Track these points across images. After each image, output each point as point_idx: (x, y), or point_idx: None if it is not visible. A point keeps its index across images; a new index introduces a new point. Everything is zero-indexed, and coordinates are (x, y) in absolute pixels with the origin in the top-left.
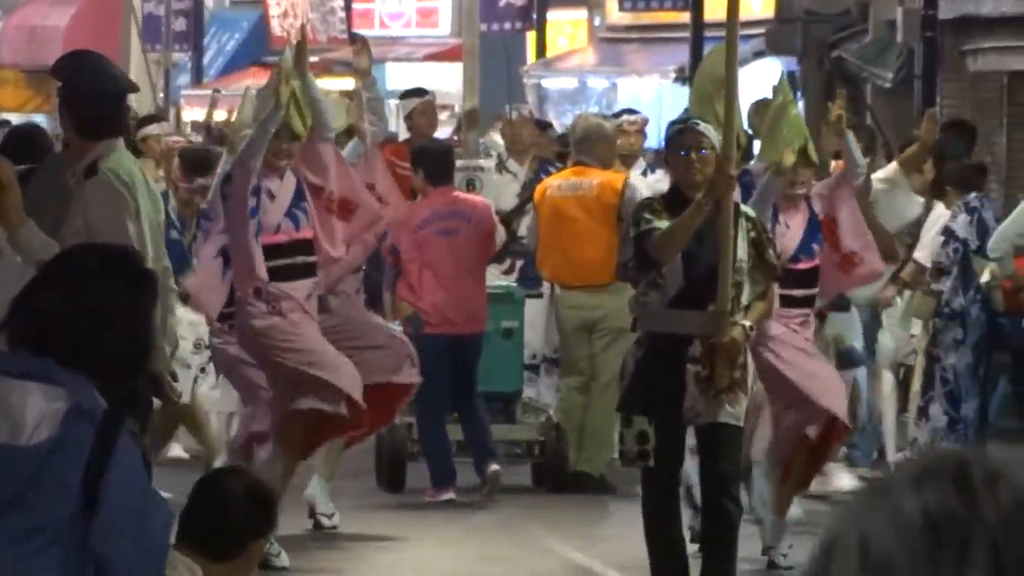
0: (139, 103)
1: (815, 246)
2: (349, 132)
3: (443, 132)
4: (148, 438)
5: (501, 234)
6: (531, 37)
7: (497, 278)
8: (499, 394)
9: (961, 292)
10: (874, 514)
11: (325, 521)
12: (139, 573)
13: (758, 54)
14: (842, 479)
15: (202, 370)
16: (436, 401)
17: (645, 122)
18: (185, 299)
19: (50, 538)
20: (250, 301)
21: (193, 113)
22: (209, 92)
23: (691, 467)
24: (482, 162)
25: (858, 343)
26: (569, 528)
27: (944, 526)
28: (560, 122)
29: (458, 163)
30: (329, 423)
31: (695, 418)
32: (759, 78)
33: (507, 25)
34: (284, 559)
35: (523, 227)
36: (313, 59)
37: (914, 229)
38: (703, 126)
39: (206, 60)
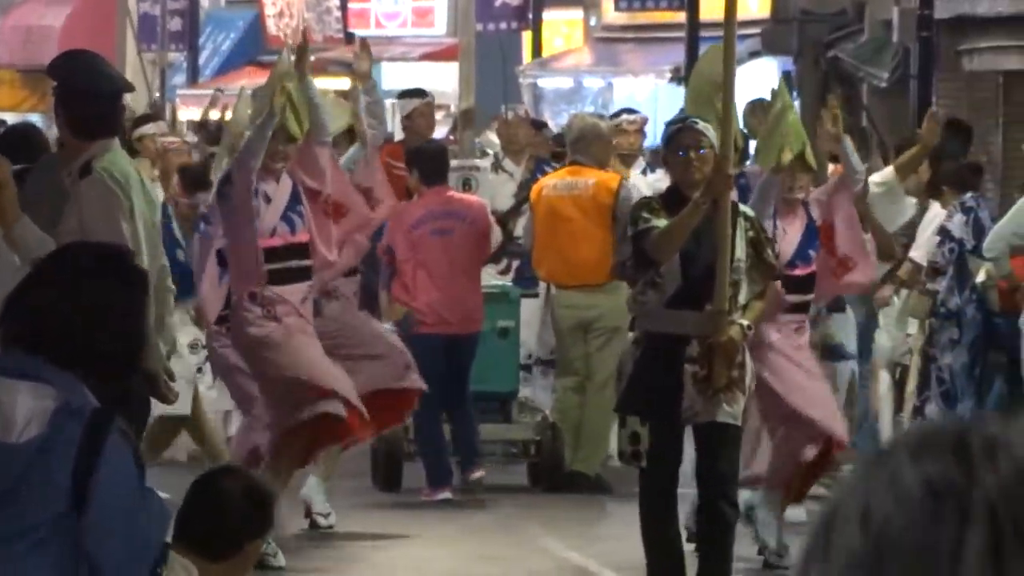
0: (135, 103)
1: (812, 252)
2: (350, 133)
3: (439, 132)
4: (144, 443)
5: (497, 234)
6: (527, 37)
7: (493, 278)
8: (495, 394)
9: (957, 292)
10: (874, 484)
11: (321, 521)
12: (129, 571)
13: (754, 54)
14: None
15: (199, 370)
16: (432, 401)
17: (644, 121)
18: (198, 322)
19: (42, 536)
20: (246, 306)
21: (189, 113)
22: (205, 92)
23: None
24: (478, 162)
25: (851, 343)
26: (565, 527)
27: (944, 495)
28: (556, 122)
29: (454, 163)
30: (328, 432)
31: (693, 418)
32: (755, 78)
33: (503, 25)
34: (280, 559)
35: (519, 227)
36: (309, 59)
37: (909, 229)
38: (702, 125)
39: (202, 60)
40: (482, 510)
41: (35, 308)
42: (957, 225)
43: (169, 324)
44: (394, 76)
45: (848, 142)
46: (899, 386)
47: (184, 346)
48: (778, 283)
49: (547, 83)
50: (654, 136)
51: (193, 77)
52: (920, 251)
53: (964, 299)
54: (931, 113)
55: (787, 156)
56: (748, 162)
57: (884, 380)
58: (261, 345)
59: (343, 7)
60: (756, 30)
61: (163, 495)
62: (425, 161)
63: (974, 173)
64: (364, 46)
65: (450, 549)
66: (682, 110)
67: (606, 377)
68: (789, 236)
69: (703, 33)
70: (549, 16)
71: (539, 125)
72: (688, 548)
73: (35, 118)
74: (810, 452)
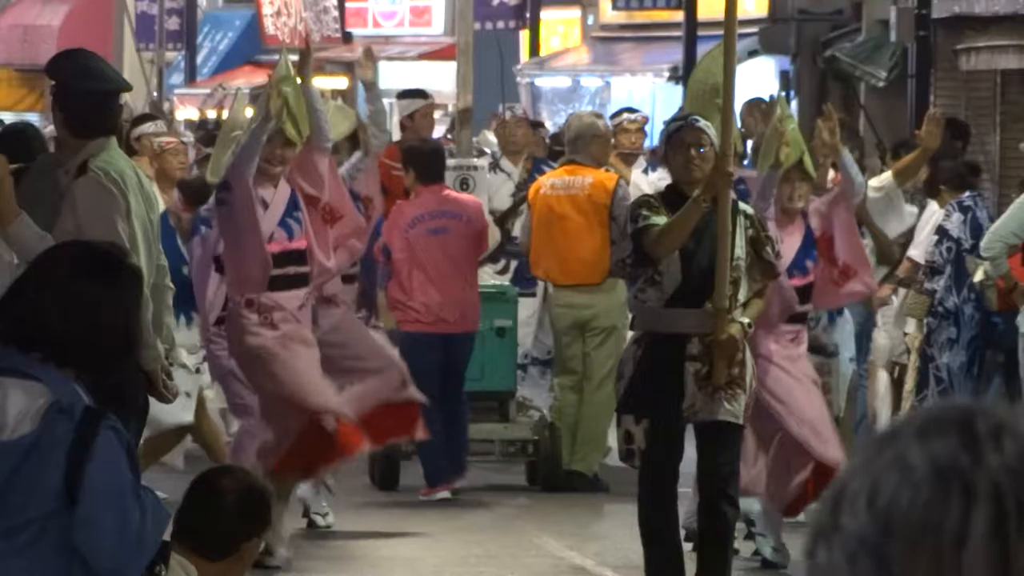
0: (133, 102)
1: (809, 263)
2: (351, 140)
3: (437, 131)
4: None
5: (496, 234)
6: (525, 36)
7: (492, 278)
8: (493, 393)
9: (954, 291)
10: (881, 464)
11: (319, 520)
12: (122, 567)
13: (752, 53)
14: None
15: (196, 370)
16: (430, 400)
17: (645, 120)
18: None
19: (35, 533)
20: (242, 313)
21: (187, 112)
22: (203, 91)
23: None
24: (476, 161)
25: (849, 346)
26: (563, 527)
27: (949, 475)
28: (553, 121)
29: (452, 162)
30: (324, 449)
31: (694, 416)
32: (753, 77)
33: (500, 24)
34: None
35: (517, 227)
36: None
37: (907, 229)
38: (702, 123)
39: (199, 59)
40: (480, 509)
41: (29, 307)
42: (955, 224)
43: (168, 323)
44: (392, 75)
45: (847, 154)
46: (897, 385)
47: (185, 353)
48: (792, 290)
49: (545, 82)
50: (652, 135)
51: (191, 76)
52: (918, 250)
53: (962, 298)
54: (931, 115)
55: (785, 151)
56: (745, 163)
57: (882, 379)
58: (257, 355)
59: (340, 6)
60: (753, 29)
61: (161, 495)
62: (421, 160)
63: (972, 172)
64: (368, 55)
65: (448, 548)
66: (680, 109)
67: (603, 376)
68: (786, 246)
69: (701, 32)
70: (547, 15)
71: (534, 124)
72: (686, 547)
73: (33, 117)
74: (803, 475)
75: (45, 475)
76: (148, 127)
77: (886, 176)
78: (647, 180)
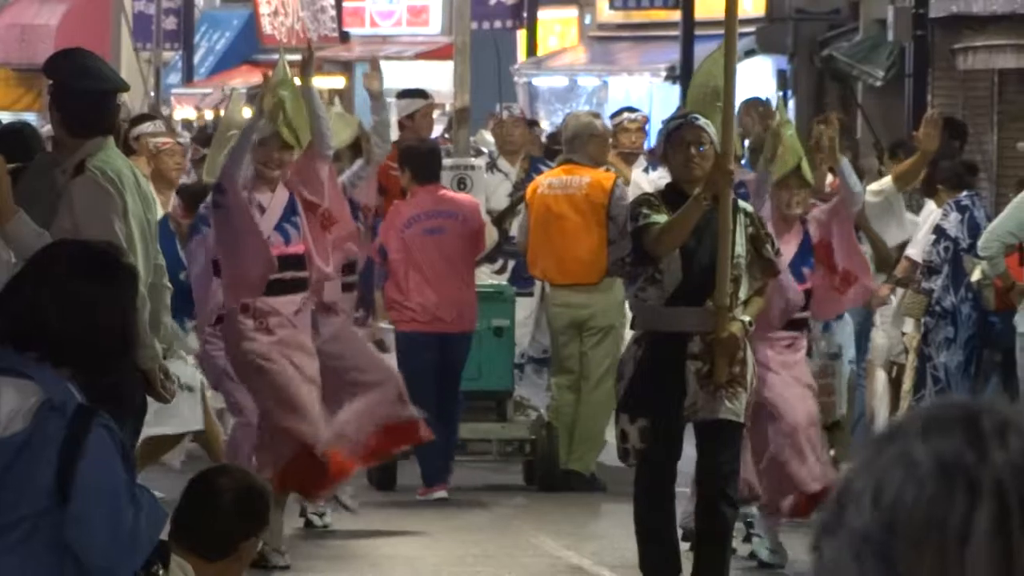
0: (130, 102)
1: (805, 270)
2: (355, 147)
3: (434, 131)
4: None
5: (493, 234)
6: (522, 35)
7: (489, 277)
8: (491, 392)
9: (952, 291)
10: (886, 460)
11: (316, 520)
12: (113, 564)
13: (749, 52)
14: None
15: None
16: (426, 399)
17: (646, 119)
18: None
19: (27, 531)
20: (239, 319)
21: (184, 111)
22: (200, 91)
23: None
24: (473, 161)
25: (850, 348)
26: (560, 526)
27: (954, 472)
28: (551, 121)
29: (449, 162)
30: (319, 479)
31: (694, 414)
32: (750, 77)
33: (498, 23)
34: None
35: (515, 227)
36: (298, 58)
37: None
38: (702, 121)
39: (197, 59)
40: (477, 509)
41: (27, 305)
42: (952, 224)
43: (166, 323)
44: (389, 75)
45: (846, 163)
46: (895, 385)
47: (189, 358)
48: (797, 292)
49: (542, 82)
50: (650, 135)
51: (188, 76)
52: (915, 249)
53: (959, 298)
54: (929, 117)
55: (781, 157)
56: (743, 162)
57: (880, 379)
58: (251, 361)
59: (338, 6)
60: (751, 29)
61: (159, 494)
62: (417, 160)
63: (969, 172)
64: (375, 66)
65: (445, 547)
66: (679, 109)
67: (600, 375)
68: (783, 253)
69: (698, 32)
70: (544, 15)
71: (530, 123)
72: (683, 547)
73: (30, 117)
74: (792, 498)
75: (37, 473)
76: (147, 127)
77: (886, 181)
78: (647, 179)
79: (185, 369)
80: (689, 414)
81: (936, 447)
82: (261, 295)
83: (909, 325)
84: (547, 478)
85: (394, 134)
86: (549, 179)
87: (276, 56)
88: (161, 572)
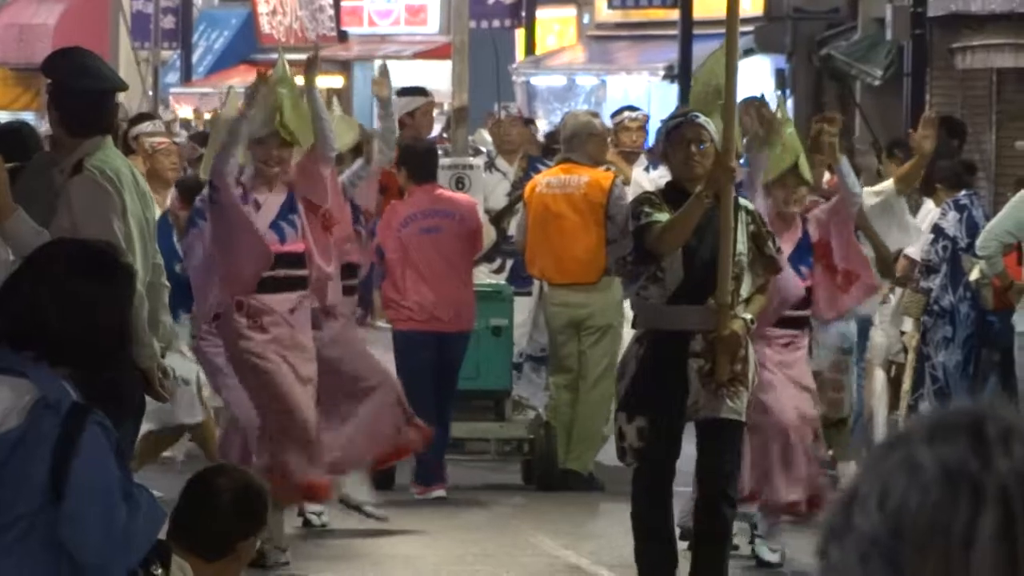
0: (128, 101)
1: (803, 268)
2: (357, 150)
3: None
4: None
5: (492, 233)
6: (520, 35)
7: (487, 276)
8: (489, 392)
9: (950, 290)
10: (892, 466)
11: (314, 519)
12: (107, 562)
13: (747, 52)
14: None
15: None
16: (423, 399)
17: (646, 118)
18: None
19: (24, 530)
20: (234, 316)
21: (182, 111)
22: (198, 90)
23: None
24: (471, 160)
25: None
26: (558, 525)
27: (959, 478)
28: (549, 120)
29: (447, 161)
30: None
31: (696, 413)
32: (748, 76)
33: (496, 22)
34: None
35: (513, 226)
36: (300, 57)
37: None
38: (702, 119)
39: (195, 58)
40: (476, 508)
41: (26, 304)
42: (951, 223)
43: (164, 321)
44: None
45: (845, 163)
46: (894, 384)
47: (187, 352)
48: (795, 282)
49: (540, 81)
50: (649, 133)
51: (186, 75)
52: (914, 248)
53: (958, 297)
54: (925, 118)
55: (780, 147)
56: (741, 162)
57: (879, 378)
58: (246, 360)
59: (336, 5)
60: (749, 28)
61: (157, 493)
62: (414, 159)
63: (968, 171)
64: (384, 73)
65: (444, 547)
66: (678, 107)
67: (599, 375)
68: (782, 251)
69: (697, 31)
70: (542, 14)
71: (526, 121)
72: (681, 546)
73: (28, 116)
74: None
75: (32, 471)
76: (146, 126)
77: (887, 184)
78: (648, 178)
79: (182, 363)
80: (691, 413)
81: (941, 453)
82: (254, 291)
83: (908, 324)
84: (545, 477)
85: None
86: (547, 178)
87: (275, 56)
88: (160, 572)
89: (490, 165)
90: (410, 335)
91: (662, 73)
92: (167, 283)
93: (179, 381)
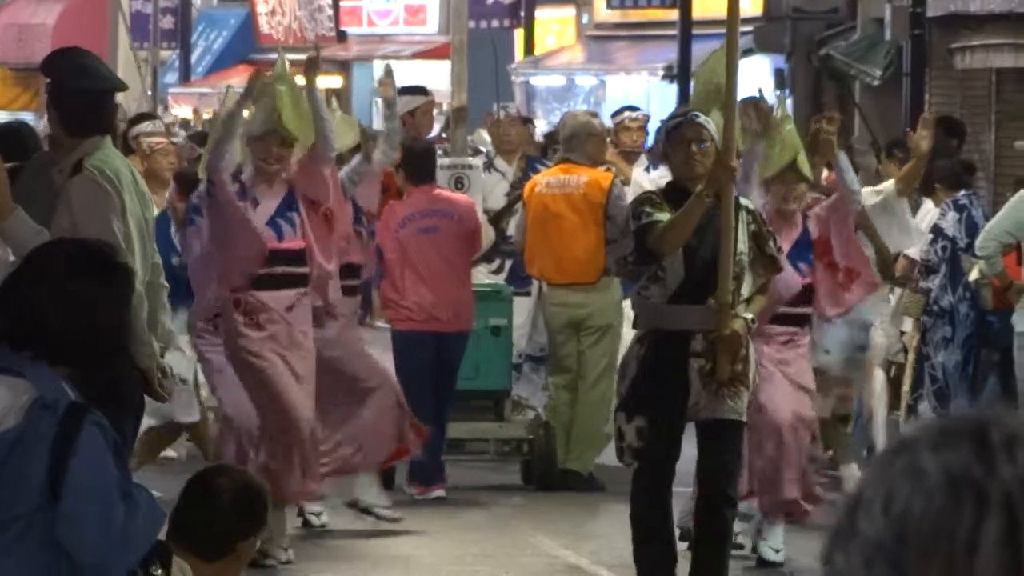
0: (127, 101)
1: (802, 265)
2: (357, 150)
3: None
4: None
5: (491, 233)
6: (519, 35)
7: (486, 277)
8: (488, 392)
9: (949, 290)
10: (896, 472)
11: (314, 519)
12: (105, 561)
13: (746, 52)
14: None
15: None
16: (421, 399)
17: (647, 118)
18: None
19: (22, 530)
20: (232, 314)
21: (181, 111)
22: (197, 90)
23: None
24: (470, 160)
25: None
26: (558, 526)
27: (963, 485)
28: (548, 120)
29: (446, 161)
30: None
31: (697, 413)
32: (747, 76)
33: (495, 22)
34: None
35: (512, 226)
36: (300, 57)
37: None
38: (703, 119)
39: (194, 58)
40: (475, 508)
41: (26, 304)
42: (950, 223)
43: (163, 321)
44: None
45: (844, 160)
46: (894, 384)
47: (185, 350)
48: (792, 277)
49: (539, 81)
50: (649, 133)
51: (185, 75)
52: (914, 248)
53: (957, 297)
54: (922, 119)
55: (780, 145)
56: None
57: (878, 378)
58: (243, 359)
59: (335, 5)
60: (748, 28)
61: (156, 494)
62: (412, 160)
63: (967, 171)
64: (389, 73)
65: (443, 547)
66: (678, 107)
67: (598, 375)
68: (782, 250)
69: (696, 31)
70: (541, 14)
71: (524, 121)
72: (681, 547)
73: (27, 116)
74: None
75: (29, 470)
76: (146, 126)
77: (887, 185)
78: (648, 178)
79: (180, 361)
80: (691, 413)
81: (945, 459)
82: (250, 288)
83: (908, 324)
84: (545, 477)
85: None
86: (547, 178)
87: (274, 56)
88: (160, 573)
89: (489, 165)
90: (409, 335)
91: (661, 73)
92: (166, 283)
93: (176, 379)
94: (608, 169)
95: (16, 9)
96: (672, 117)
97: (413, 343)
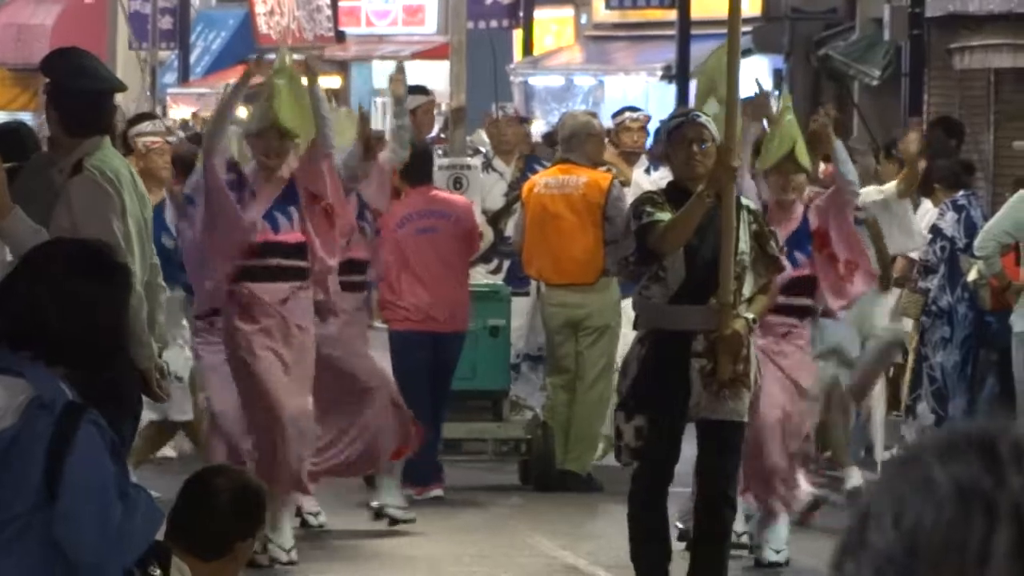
0: (126, 102)
1: (799, 255)
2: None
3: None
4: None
5: (489, 234)
6: (518, 35)
7: (484, 277)
8: (486, 392)
9: (948, 290)
10: (906, 484)
11: (312, 520)
12: (103, 560)
13: (745, 52)
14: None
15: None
16: (418, 399)
17: (647, 119)
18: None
19: (19, 529)
20: (229, 307)
21: (180, 111)
22: (196, 91)
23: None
24: (469, 160)
25: (854, 347)
26: (556, 526)
27: (973, 496)
28: (547, 120)
29: (445, 161)
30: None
31: (698, 413)
32: (746, 76)
33: (494, 23)
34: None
35: (510, 226)
36: (298, 57)
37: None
38: (704, 119)
39: (192, 58)
40: (473, 508)
41: (25, 304)
42: (949, 223)
43: (161, 322)
44: (385, 75)
45: (840, 147)
46: (893, 384)
47: (183, 346)
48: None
49: (538, 81)
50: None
51: (184, 76)
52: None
53: (955, 297)
54: (912, 122)
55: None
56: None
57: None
58: (235, 353)
59: (334, 5)
60: (747, 28)
61: (155, 494)
62: (409, 161)
63: (966, 171)
64: (401, 71)
65: (441, 547)
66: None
67: (596, 375)
68: (777, 236)
69: (694, 31)
70: (540, 14)
71: (520, 121)
72: (679, 547)
73: (26, 116)
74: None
75: (27, 470)
76: (146, 126)
77: (889, 187)
78: (649, 180)
79: (178, 358)
80: (692, 413)
81: (954, 471)
82: (242, 278)
83: (908, 325)
84: (543, 478)
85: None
86: (545, 179)
87: (272, 56)
88: (158, 573)
89: (487, 165)
90: (406, 335)
91: (660, 73)
92: (163, 284)
93: (172, 377)
94: (608, 170)
95: (15, 9)
96: (673, 117)
97: (410, 343)
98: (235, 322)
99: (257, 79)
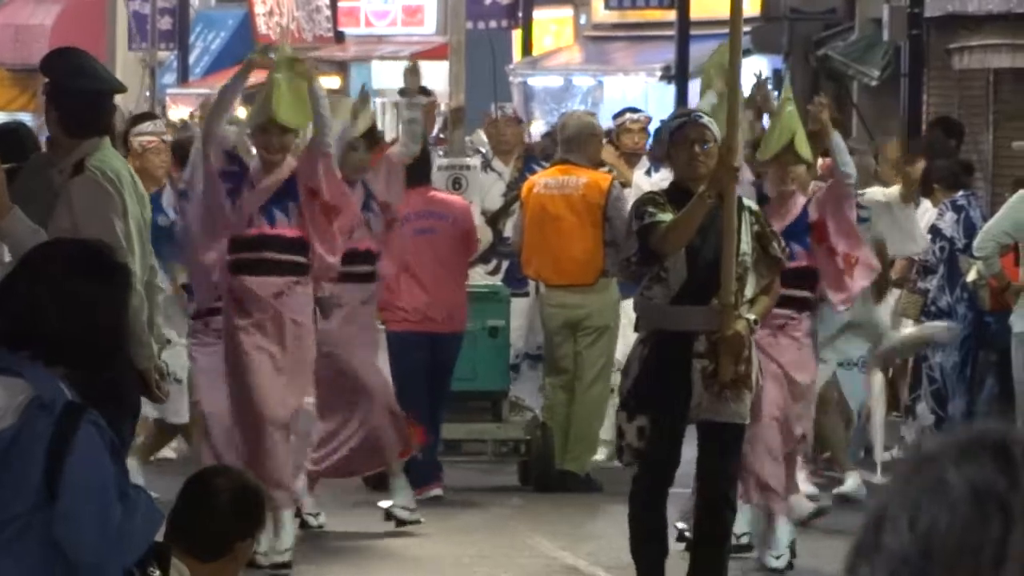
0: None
1: (797, 247)
2: (370, 135)
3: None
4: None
5: (488, 234)
6: (517, 35)
7: (483, 278)
8: (486, 392)
9: (947, 291)
10: (921, 487)
11: (311, 520)
12: (103, 560)
13: (744, 52)
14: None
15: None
16: (416, 399)
17: (648, 120)
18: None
19: (19, 529)
20: (225, 302)
21: (179, 112)
22: (195, 91)
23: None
24: (468, 160)
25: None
26: (555, 527)
27: (987, 498)
28: (546, 121)
29: (444, 161)
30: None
31: (699, 415)
32: (745, 76)
33: (493, 23)
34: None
35: (509, 227)
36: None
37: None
38: (705, 119)
39: (192, 59)
40: (473, 509)
41: (25, 304)
42: (948, 223)
43: (158, 322)
44: (384, 75)
45: (838, 138)
46: (892, 385)
47: (181, 347)
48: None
49: (537, 82)
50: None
51: (183, 76)
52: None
53: (955, 298)
54: (882, 142)
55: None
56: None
57: (877, 379)
58: (228, 347)
59: (333, 6)
60: (746, 28)
61: (154, 495)
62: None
63: (965, 171)
64: (414, 69)
65: (441, 548)
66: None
67: (595, 376)
68: (775, 227)
69: (694, 32)
70: (539, 15)
71: (517, 121)
72: (679, 548)
73: (25, 117)
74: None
75: (26, 470)
76: (147, 126)
77: (892, 191)
78: (649, 181)
79: (178, 359)
80: (693, 414)
81: (968, 474)
82: (236, 271)
83: (907, 325)
84: (543, 478)
85: (392, 134)
86: (545, 179)
87: (271, 56)
88: (157, 574)
89: (486, 165)
90: (404, 336)
91: (659, 74)
92: (161, 285)
93: (171, 379)
94: (608, 171)
95: (14, 9)
96: (675, 117)
97: (408, 344)
98: (232, 318)
99: (260, 72)
